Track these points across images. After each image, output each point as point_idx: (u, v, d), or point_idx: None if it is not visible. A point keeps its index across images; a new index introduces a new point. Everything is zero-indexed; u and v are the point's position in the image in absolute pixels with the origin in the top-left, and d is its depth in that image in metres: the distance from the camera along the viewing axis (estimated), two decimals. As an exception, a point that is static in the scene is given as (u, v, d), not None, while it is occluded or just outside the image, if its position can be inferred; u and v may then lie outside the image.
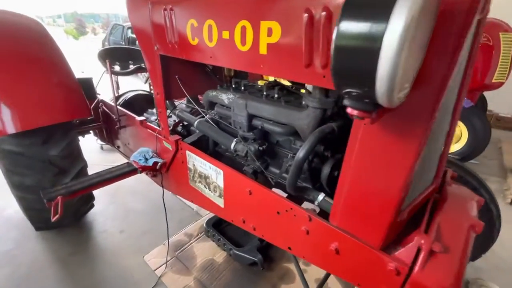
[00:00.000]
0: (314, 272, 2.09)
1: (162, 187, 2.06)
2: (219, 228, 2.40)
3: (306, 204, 1.35)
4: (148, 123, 2.09)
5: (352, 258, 1.05)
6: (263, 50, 1.02)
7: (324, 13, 0.80)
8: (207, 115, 1.77)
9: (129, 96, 2.89)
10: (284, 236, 1.31)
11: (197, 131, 1.83)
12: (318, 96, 1.04)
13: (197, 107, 1.78)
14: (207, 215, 2.71)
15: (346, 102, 0.62)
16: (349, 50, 0.50)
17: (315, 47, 0.87)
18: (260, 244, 2.15)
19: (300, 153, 1.06)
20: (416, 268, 0.90)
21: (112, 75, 2.49)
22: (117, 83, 2.78)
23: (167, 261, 2.16)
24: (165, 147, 1.92)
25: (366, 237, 0.99)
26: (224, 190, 1.56)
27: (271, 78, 1.72)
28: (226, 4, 1.11)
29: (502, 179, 3.62)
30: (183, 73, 1.81)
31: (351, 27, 0.48)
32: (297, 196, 1.51)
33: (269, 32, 0.97)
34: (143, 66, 2.92)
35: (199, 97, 2.32)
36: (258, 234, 1.47)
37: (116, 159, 3.66)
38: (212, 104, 1.66)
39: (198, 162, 1.68)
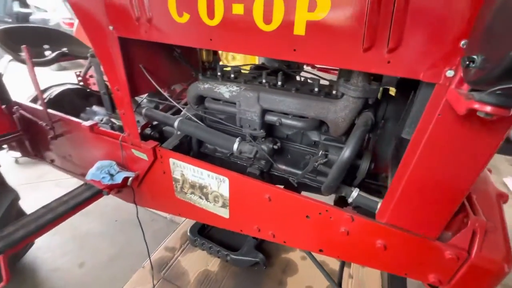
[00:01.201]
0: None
1: (136, 204, 1.67)
2: (204, 233, 2.16)
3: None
4: (102, 129, 1.62)
5: (403, 251, 1.01)
6: (299, 30, 0.80)
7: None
8: (186, 111, 1.44)
9: (54, 93, 2.20)
10: (315, 239, 1.20)
11: (178, 132, 1.49)
12: (361, 84, 0.89)
13: (175, 103, 1.42)
14: (184, 221, 2.41)
15: (489, 98, 0.49)
16: None
17: (383, 24, 0.70)
18: (256, 241, 2.02)
19: (346, 153, 0.92)
20: (474, 251, 0.90)
21: (27, 65, 1.81)
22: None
23: (154, 286, 1.84)
24: (134, 157, 1.52)
25: (421, 230, 0.95)
26: (230, 200, 1.33)
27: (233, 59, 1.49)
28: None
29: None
30: (148, 61, 1.41)
31: None
32: (296, 188, 1.39)
33: (312, 5, 0.75)
34: (66, 51, 2.24)
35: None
36: (278, 241, 1.32)
37: (44, 174, 2.89)
38: (201, 99, 1.34)
39: (189, 171, 1.39)
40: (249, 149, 1.23)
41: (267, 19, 0.83)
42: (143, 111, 1.53)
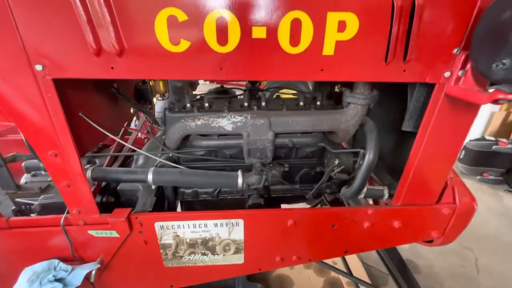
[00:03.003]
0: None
1: (99, 302, 1.20)
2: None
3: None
4: (15, 218, 1.06)
5: (415, 222, 1.20)
6: (328, 50, 0.80)
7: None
8: (154, 156, 1.15)
9: None
10: (341, 244, 1.24)
11: (153, 186, 1.17)
12: (367, 92, 0.99)
13: (145, 152, 1.10)
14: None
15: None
16: None
17: (400, 38, 0.81)
18: (245, 273, 1.86)
19: (371, 156, 1.01)
20: (457, 202, 1.18)
21: None
22: None
23: None
24: (91, 238, 1.09)
25: (425, 200, 1.15)
26: (245, 242, 1.17)
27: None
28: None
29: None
30: (87, 105, 1.03)
31: None
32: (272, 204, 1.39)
33: (341, 26, 0.77)
34: None
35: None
36: (303, 262, 1.28)
37: None
38: (185, 140, 1.10)
39: (186, 229, 1.12)
40: (257, 179, 1.12)
41: (295, 42, 0.79)
42: (88, 173, 1.10)
